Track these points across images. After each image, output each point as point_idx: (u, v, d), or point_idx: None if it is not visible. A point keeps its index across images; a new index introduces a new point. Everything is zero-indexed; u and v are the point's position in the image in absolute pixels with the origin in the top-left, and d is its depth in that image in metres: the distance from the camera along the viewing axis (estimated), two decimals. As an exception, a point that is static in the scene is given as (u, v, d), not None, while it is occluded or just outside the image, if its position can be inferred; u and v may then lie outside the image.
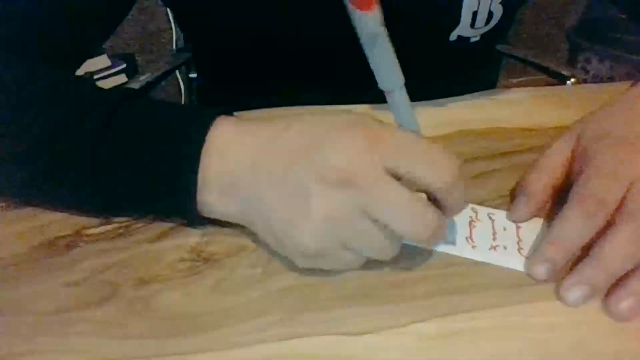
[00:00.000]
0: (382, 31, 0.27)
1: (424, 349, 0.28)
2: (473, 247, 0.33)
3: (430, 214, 0.28)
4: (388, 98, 0.30)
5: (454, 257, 0.33)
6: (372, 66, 0.28)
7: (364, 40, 0.27)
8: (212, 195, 0.32)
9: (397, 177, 0.28)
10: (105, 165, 0.33)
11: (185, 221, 0.35)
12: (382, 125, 0.29)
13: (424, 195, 0.30)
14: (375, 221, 0.28)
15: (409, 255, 0.33)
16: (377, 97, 0.32)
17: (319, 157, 0.28)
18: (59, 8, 0.43)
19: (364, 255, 0.30)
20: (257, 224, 0.32)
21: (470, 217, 0.36)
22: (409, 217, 0.28)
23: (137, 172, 0.33)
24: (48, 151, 0.33)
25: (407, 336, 0.28)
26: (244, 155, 0.31)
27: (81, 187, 0.34)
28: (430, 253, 0.33)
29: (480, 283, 0.31)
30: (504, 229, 0.34)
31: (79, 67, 0.49)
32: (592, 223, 0.31)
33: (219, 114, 0.33)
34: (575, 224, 0.32)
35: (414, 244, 0.33)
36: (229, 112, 0.35)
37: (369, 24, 0.26)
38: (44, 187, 0.36)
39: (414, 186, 0.28)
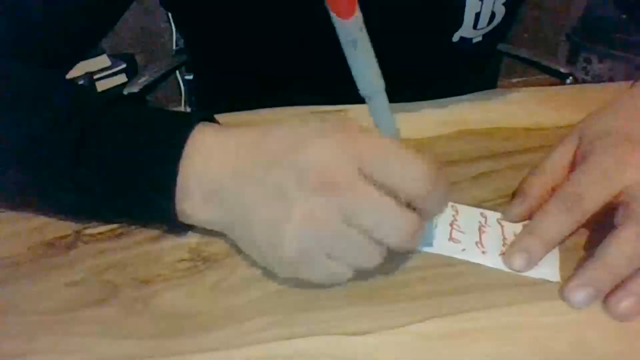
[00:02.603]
0: (363, 36, 0.27)
1: (424, 349, 0.28)
2: (483, 252, 0.33)
3: (411, 218, 0.28)
4: (368, 103, 0.29)
5: (454, 257, 0.33)
6: (353, 71, 0.28)
7: (344, 45, 0.27)
8: (193, 203, 0.32)
9: (373, 183, 0.27)
10: (86, 172, 0.32)
11: (167, 228, 0.35)
12: (360, 131, 0.29)
13: None
14: (356, 226, 0.28)
15: (409, 255, 0.33)
16: None
17: (297, 162, 0.28)
18: (52, 7, 0.43)
19: (347, 263, 0.29)
20: (237, 231, 0.32)
21: (480, 222, 0.36)
22: (391, 222, 0.28)
23: (117, 180, 0.32)
24: (29, 157, 0.33)
25: (407, 336, 0.28)
26: (227, 162, 0.31)
27: (61, 194, 0.33)
28: (430, 253, 0.33)
29: (480, 283, 0.31)
30: (514, 235, 0.34)
31: (71, 68, 0.49)
32: (568, 217, 0.32)
33: (199, 120, 0.33)
34: (551, 217, 0.33)
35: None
36: (211, 118, 0.34)
37: (349, 30, 0.27)
38: (24, 193, 0.35)
39: (390, 192, 0.27)
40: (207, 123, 0.33)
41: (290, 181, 0.28)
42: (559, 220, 0.32)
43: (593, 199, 0.32)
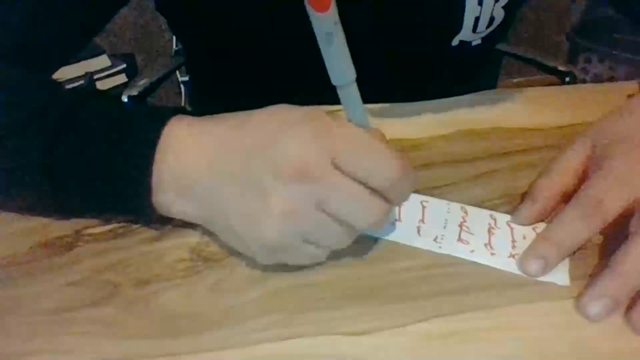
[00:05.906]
0: (338, 30, 0.28)
1: (424, 349, 0.28)
2: (492, 254, 0.33)
3: (379, 205, 0.30)
4: (340, 93, 0.31)
5: (453, 257, 0.33)
6: (326, 62, 0.29)
7: (319, 37, 0.28)
8: (168, 196, 0.32)
9: (345, 172, 0.29)
10: (60, 167, 0.32)
11: (144, 220, 0.35)
12: (332, 119, 0.30)
13: None
14: (330, 213, 0.29)
15: (409, 255, 0.33)
16: (371, 99, 0.32)
17: (273, 154, 0.29)
18: (36, 11, 0.42)
19: (322, 246, 0.31)
20: (216, 223, 0.32)
21: (489, 224, 0.36)
22: (361, 209, 0.29)
23: (91, 175, 0.32)
24: (2, 151, 0.33)
25: (407, 336, 0.28)
26: (201, 156, 0.31)
27: (37, 189, 0.34)
28: (430, 253, 0.33)
29: (480, 283, 0.31)
30: (524, 238, 0.34)
31: (56, 70, 0.48)
32: (588, 224, 0.32)
33: (173, 114, 0.33)
34: (570, 223, 0.32)
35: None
36: (185, 111, 0.34)
37: (325, 23, 0.27)
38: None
39: (360, 180, 0.29)
40: (182, 116, 0.33)
41: (266, 174, 0.29)
42: (577, 227, 0.32)
43: (612, 205, 0.31)
